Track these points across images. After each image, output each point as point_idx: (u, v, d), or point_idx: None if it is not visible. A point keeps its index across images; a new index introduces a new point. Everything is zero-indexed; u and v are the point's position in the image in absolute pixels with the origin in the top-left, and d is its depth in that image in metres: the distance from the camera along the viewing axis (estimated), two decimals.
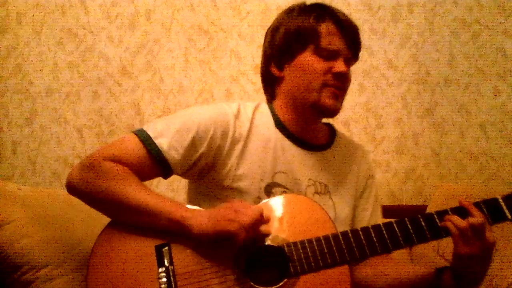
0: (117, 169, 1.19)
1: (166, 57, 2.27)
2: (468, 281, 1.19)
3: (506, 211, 1.20)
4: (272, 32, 1.38)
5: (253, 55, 2.21)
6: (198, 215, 1.15)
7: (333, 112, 1.33)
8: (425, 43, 2.11)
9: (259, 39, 2.21)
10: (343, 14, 1.35)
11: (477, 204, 1.20)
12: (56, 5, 2.34)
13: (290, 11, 1.37)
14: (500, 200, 1.20)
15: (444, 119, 2.10)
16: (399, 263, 1.38)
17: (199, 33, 2.26)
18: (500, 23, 2.07)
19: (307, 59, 1.30)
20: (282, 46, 1.34)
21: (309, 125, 1.37)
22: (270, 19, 2.19)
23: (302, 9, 1.36)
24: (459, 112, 2.09)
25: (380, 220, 1.41)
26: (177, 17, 2.27)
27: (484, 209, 1.19)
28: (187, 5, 2.27)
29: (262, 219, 1.14)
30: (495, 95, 2.07)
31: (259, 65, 1.44)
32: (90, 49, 2.32)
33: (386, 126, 2.14)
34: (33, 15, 2.35)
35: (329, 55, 1.30)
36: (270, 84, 1.40)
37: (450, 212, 1.20)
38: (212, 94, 2.24)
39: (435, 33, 2.11)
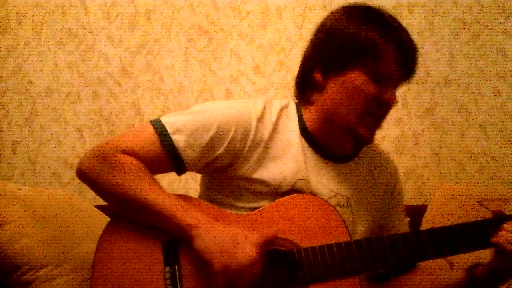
0: (129, 164, 1.15)
1: (166, 57, 2.27)
2: (502, 276, 1.18)
3: None
4: (327, 33, 1.24)
5: (253, 55, 2.21)
6: (205, 228, 1.10)
7: (367, 143, 1.26)
8: (425, 43, 2.11)
9: (259, 39, 2.22)
10: (407, 34, 1.21)
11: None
12: (56, 5, 2.34)
13: (350, 15, 1.22)
14: None
15: (444, 119, 2.09)
16: (431, 272, 1.33)
17: (199, 33, 2.25)
18: (500, 23, 2.06)
19: (359, 79, 1.18)
20: (335, 54, 1.21)
21: (337, 139, 1.27)
22: (270, 19, 2.22)
23: (365, 17, 1.21)
24: (459, 112, 2.09)
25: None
26: (177, 17, 2.27)
27: None
28: (187, 5, 2.26)
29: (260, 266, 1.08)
30: (495, 95, 2.07)
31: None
32: (90, 49, 2.32)
33: (386, 126, 2.11)
34: (33, 15, 2.34)
35: (382, 79, 1.19)
36: (307, 88, 1.27)
37: (469, 227, 1.15)
38: (212, 94, 2.24)
39: (435, 33, 2.11)
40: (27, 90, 2.35)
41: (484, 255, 1.20)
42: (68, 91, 2.32)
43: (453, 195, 1.82)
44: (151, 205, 1.12)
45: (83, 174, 1.18)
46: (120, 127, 2.28)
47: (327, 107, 1.23)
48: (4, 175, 2.31)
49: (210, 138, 1.19)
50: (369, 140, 1.25)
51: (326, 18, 1.27)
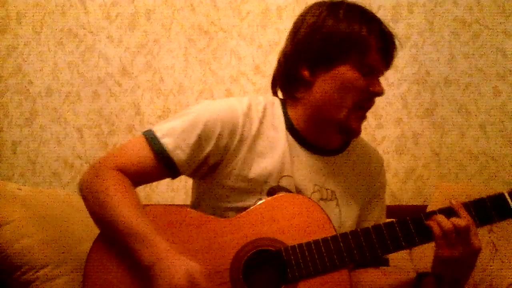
0: (114, 185, 1.15)
1: (166, 57, 2.28)
2: (448, 285, 1.14)
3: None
4: (310, 29, 1.23)
5: (253, 55, 2.21)
6: (171, 264, 1.07)
7: (356, 135, 1.27)
8: (425, 43, 2.11)
9: (259, 39, 2.22)
10: (383, 24, 1.24)
11: (466, 205, 1.14)
12: (56, 5, 2.34)
13: (333, 10, 1.22)
14: (506, 195, 1.14)
15: (444, 119, 2.10)
16: (380, 271, 1.32)
17: (199, 33, 2.26)
18: (500, 23, 2.06)
19: (348, 73, 1.19)
20: (322, 49, 1.21)
21: (325, 134, 1.28)
22: (270, 19, 2.22)
23: (349, 12, 1.22)
24: (459, 112, 2.09)
25: None
26: (177, 17, 2.27)
27: (472, 211, 1.14)
28: (187, 5, 2.27)
29: None
30: (495, 95, 2.07)
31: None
32: (90, 49, 2.32)
33: (386, 126, 2.14)
34: (33, 15, 2.35)
35: (368, 72, 1.21)
36: (293, 83, 1.27)
37: (437, 213, 1.15)
38: (212, 94, 2.24)
39: (435, 33, 2.11)
40: (27, 90, 2.35)
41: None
42: (68, 91, 2.33)
43: (453, 195, 1.81)
44: (127, 228, 1.11)
45: (79, 188, 1.20)
46: (120, 127, 2.28)
47: (317, 104, 1.24)
48: (4, 175, 2.31)
49: (198, 136, 1.19)
50: (359, 132, 1.26)
51: (304, 14, 1.26)
